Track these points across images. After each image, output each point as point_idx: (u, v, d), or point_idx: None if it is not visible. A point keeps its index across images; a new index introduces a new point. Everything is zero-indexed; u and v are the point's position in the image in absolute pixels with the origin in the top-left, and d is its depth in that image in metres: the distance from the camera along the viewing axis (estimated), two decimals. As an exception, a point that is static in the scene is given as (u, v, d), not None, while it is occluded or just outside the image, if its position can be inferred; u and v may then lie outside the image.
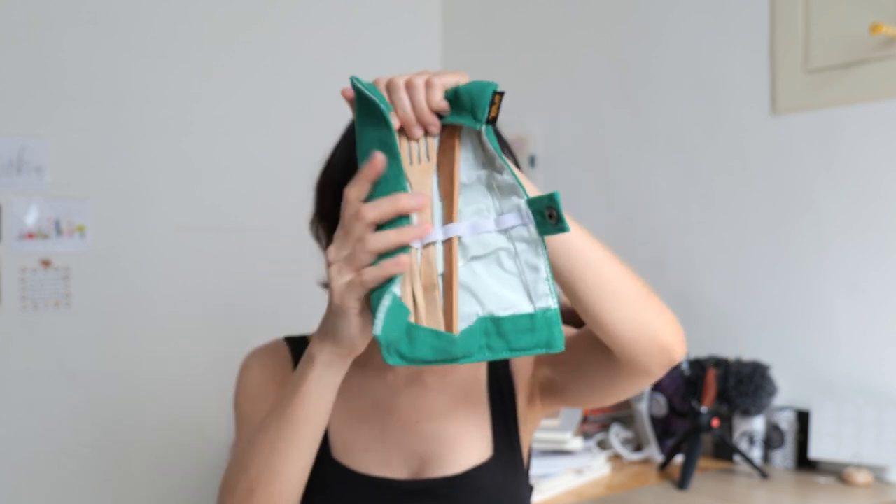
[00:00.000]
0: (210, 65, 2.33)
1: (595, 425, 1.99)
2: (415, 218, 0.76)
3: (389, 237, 0.74)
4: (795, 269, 1.92)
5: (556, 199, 0.74)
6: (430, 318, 0.76)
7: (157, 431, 2.24)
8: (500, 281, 0.76)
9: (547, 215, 0.75)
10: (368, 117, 0.78)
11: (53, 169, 2.09)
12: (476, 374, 1.11)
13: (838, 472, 1.76)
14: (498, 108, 0.76)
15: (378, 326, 0.73)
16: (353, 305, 0.76)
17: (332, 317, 0.80)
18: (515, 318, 0.76)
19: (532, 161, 2.45)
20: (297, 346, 1.12)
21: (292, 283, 2.29)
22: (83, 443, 2.14)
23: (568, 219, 0.78)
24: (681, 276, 2.13)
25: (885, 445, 1.69)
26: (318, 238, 1.11)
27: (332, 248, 0.77)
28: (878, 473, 1.73)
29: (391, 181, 0.76)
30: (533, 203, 0.76)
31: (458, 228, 0.77)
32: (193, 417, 2.28)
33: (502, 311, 0.76)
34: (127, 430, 2.20)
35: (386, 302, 0.73)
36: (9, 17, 2.04)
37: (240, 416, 1.10)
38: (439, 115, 0.78)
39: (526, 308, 0.76)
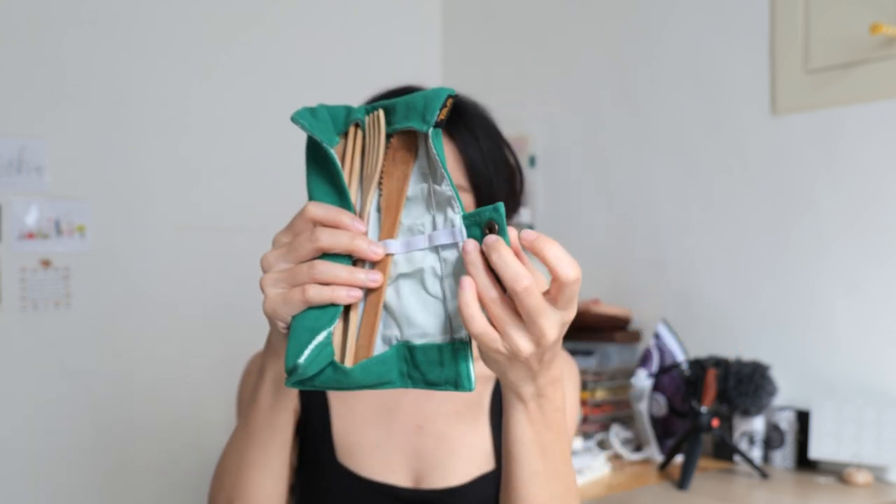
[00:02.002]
0: (210, 65, 2.33)
1: (595, 425, 1.99)
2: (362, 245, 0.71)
3: (340, 274, 0.68)
4: (795, 269, 1.92)
5: (501, 211, 0.66)
6: (341, 340, 0.71)
7: (157, 431, 2.24)
8: (422, 304, 0.70)
9: (486, 229, 0.67)
10: (314, 153, 0.74)
11: (53, 169, 2.09)
12: (482, 385, 1.11)
13: (838, 472, 1.76)
14: (448, 111, 0.70)
15: (304, 356, 0.67)
16: (286, 320, 0.70)
17: (270, 325, 0.76)
18: (426, 349, 0.68)
19: (532, 161, 2.45)
20: None
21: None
22: (83, 443, 2.14)
23: (534, 419, 0.77)
24: (681, 276, 2.13)
25: (885, 445, 1.69)
26: None
27: (272, 255, 0.72)
28: (878, 473, 1.73)
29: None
30: (471, 217, 0.68)
31: (394, 245, 0.71)
32: (193, 417, 2.28)
33: (418, 339, 0.69)
34: (127, 430, 2.20)
35: (320, 338, 0.68)
36: (9, 17, 2.04)
37: (239, 418, 1.10)
38: (388, 122, 0.73)
39: (441, 338, 0.69)
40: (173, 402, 2.26)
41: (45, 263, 2.09)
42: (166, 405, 2.25)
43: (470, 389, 0.67)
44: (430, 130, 0.70)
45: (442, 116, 0.70)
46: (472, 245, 0.66)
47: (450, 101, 0.70)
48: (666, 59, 2.18)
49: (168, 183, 2.26)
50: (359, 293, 0.69)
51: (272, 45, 2.43)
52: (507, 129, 1.13)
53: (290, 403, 0.84)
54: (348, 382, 0.68)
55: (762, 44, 1.97)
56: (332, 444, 1.06)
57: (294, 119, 0.73)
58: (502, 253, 0.64)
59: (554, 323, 0.67)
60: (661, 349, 1.99)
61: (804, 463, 1.83)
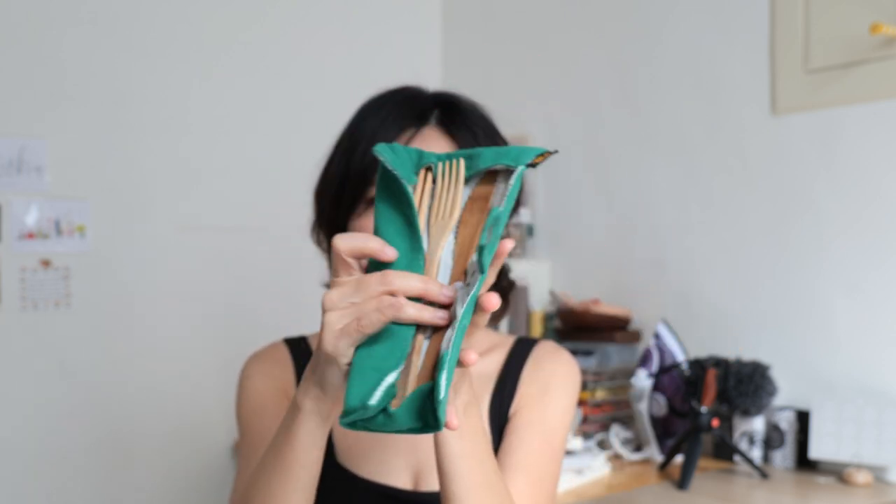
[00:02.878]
0: (210, 65, 2.33)
1: (595, 425, 1.99)
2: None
3: (408, 311, 0.68)
4: (795, 269, 1.92)
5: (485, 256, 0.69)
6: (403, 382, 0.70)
7: (157, 431, 2.24)
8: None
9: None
10: (388, 188, 0.73)
11: (53, 169, 2.10)
12: (482, 385, 1.10)
13: (838, 472, 1.76)
14: (543, 160, 0.72)
15: (375, 397, 0.67)
16: (346, 354, 0.70)
17: (322, 364, 0.75)
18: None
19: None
20: (297, 348, 1.12)
21: (293, 283, 2.30)
22: (83, 443, 2.14)
23: (467, 430, 0.79)
24: (681, 276, 2.13)
25: (885, 445, 1.69)
26: (318, 243, 1.11)
27: (333, 294, 0.71)
28: (878, 473, 1.73)
29: (408, 255, 0.72)
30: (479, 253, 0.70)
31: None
32: (193, 417, 2.28)
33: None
34: (127, 430, 2.20)
35: (390, 379, 0.67)
36: (9, 18, 2.04)
37: (243, 428, 1.08)
38: (469, 167, 0.74)
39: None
40: (173, 401, 2.26)
41: (45, 263, 2.09)
42: (166, 405, 2.25)
43: (437, 430, 0.67)
44: (521, 167, 0.71)
45: (536, 161, 0.72)
46: None
47: (547, 154, 0.72)
48: (666, 59, 2.18)
49: (168, 183, 2.26)
50: (439, 315, 0.69)
51: (272, 45, 2.43)
52: (507, 129, 1.13)
53: (324, 438, 0.83)
54: (395, 426, 0.68)
55: (762, 44, 1.97)
56: (332, 445, 1.05)
57: (376, 151, 0.73)
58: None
59: None
60: (661, 349, 1.99)
61: (804, 463, 1.83)
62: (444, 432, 0.81)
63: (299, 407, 0.81)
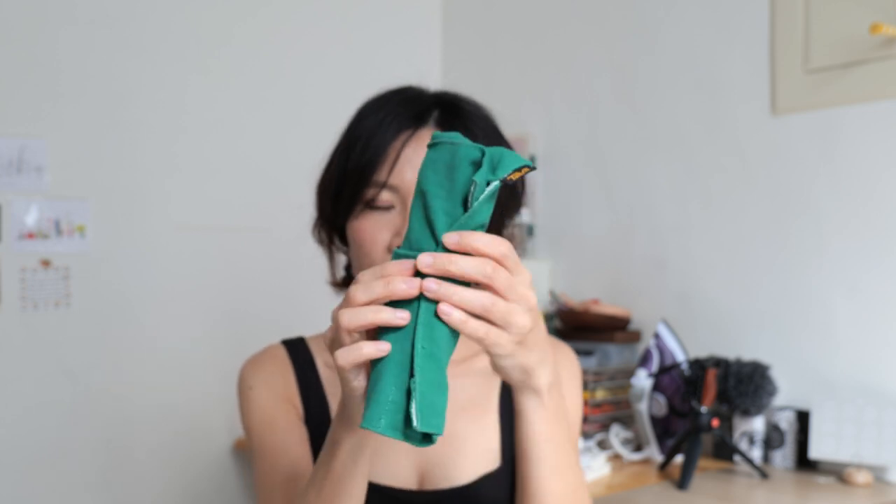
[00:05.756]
0: (210, 65, 2.33)
1: (595, 425, 1.99)
2: None
3: (365, 315, 0.68)
4: (795, 268, 1.92)
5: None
6: None
7: (158, 431, 2.24)
8: None
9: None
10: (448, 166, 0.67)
11: (53, 169, 2.09)
12: (490, 381, 1.09)
13: (838, 472, 1.76)
14: (519, 175, 0.67)
15: (381, 423, 0.64)
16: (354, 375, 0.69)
17: (349, 400, 0.75)
18: None
19: (532, 161, 2.45)
20: (295, 350, 1.09)
21: (293, 283, 2.30)
22: (83, 443, 2.14)
23: (549, 412, 0.79)
24: (681, 276, 2.13)
25: (885, 445, 1.69)
26: (319, 241, 1.10)
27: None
28: (878, 473, 1.73)
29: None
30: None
31: None
32: (194, 417, 2.28)
33: None
34: (127, 430, 2.20)
35: (391, 397, 0.65)
36: (8, 17, 2.04)
37: (256, 445, 1.05)
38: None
39: None
40: (173, 401, 2.26)
41: (45, 263, 2.09)
42: (166, 405, 2.25)
43: (431, 443, 0.66)
44: (496, 183, 0.66)
45: (511, 177, 0.66)
46: (425, 261, 0.64)
47: (525, 170, 0.67)
48: (666, 59, 2.18)
49: (168, 183, 2.25)
50: (398, 315, 0.67)
51: (271, 44, 2.43)
52: (507, 129, 1.12)
53: (367, 462, 0.82)
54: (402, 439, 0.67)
55: (762, 44, 1.97)
56: None
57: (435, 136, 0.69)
58: (454, 259, 0.64)
59: (525, 283, 0.68)
60: (661, 349, 1.99)
61: (804, 463, 1.83)
62: (529, 415, 0.80)
63: (335, 441, 0.79)
